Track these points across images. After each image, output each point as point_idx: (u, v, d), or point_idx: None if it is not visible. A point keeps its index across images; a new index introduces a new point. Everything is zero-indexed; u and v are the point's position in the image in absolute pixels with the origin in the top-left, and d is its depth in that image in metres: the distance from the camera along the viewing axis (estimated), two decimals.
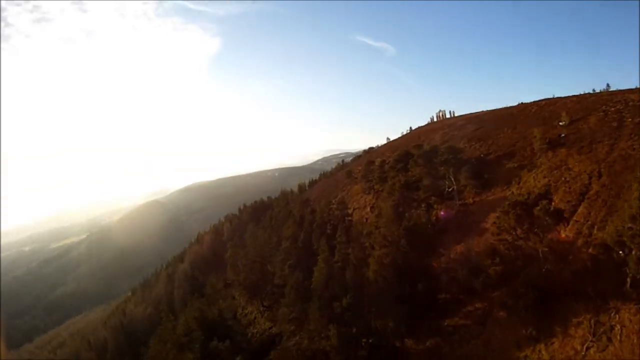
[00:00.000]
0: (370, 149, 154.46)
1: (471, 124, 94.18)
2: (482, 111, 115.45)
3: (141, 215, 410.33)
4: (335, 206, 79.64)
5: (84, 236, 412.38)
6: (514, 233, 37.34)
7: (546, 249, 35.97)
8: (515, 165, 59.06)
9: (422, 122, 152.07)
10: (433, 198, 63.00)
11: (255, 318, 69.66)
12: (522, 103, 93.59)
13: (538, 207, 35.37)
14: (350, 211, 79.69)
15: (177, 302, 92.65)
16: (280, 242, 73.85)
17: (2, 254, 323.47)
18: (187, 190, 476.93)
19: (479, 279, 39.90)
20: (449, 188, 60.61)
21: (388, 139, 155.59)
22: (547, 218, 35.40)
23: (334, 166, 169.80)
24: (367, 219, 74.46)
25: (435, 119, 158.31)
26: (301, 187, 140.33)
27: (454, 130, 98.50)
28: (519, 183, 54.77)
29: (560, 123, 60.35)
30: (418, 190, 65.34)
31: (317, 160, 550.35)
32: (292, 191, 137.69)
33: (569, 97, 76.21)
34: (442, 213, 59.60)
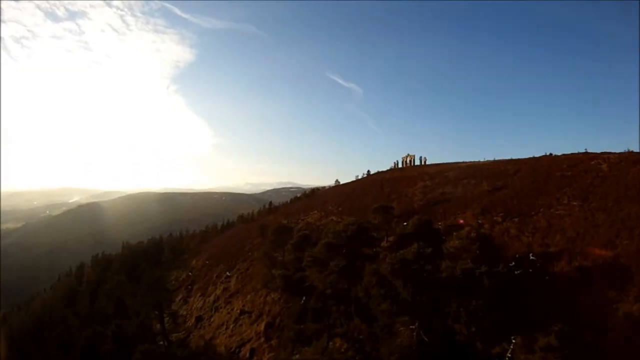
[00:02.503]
0: (315, 190, 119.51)
1: (473, 179, 60.13)
2: (483, 161, 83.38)
3: (78, 215, 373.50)
4: None
5: (20, 225, 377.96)
6: None
7: None
8: None
9: (379, 168, 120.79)
10: None
11: None
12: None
13: None
14: None
15: None
16: None
17: None
18: (131, 198, 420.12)
19: None
20: None
21: (337, 181, 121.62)
22: None
23: (282, 198, 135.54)
24: None
25: (401, 164, 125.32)
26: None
27: (445, 185, 63.92)
28: None
29: None
30: None
31: (268, 191, 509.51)
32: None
33: None
34: None
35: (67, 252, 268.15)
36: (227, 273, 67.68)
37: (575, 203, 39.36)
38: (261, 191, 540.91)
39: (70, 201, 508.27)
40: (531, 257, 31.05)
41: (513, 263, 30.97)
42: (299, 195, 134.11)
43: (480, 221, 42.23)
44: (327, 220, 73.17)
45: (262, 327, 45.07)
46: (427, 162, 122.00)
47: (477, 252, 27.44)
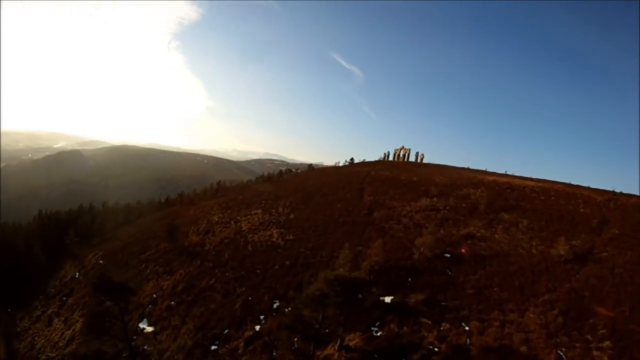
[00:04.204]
0: (283, 173, 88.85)
1: (525, 216, 31.11)
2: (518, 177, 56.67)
3: (57, 162, 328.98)
4: None
5: (3, 165, 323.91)
6: None
7: None
8: None
9: (369, 156, 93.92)
10: None
11: None
12: None
13: None
14: None
15: None
16: None
17: None
18: (114, 150, 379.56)
19: None
20: None
21: (352, 159, 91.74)
22: None
23: (265, 169, 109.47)
24: None
25: (393, 157, 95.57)
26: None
27: (470, 216, 35.95)
28: None
29: None
30: None
31: (252, 160, 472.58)
32: None
33: None
34: None
35: (37, 199, 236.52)
36: None
37: None
38: (246, 159, 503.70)
39: (56, 146, 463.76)
40: None
41: None
42: (270, 172, 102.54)
43: None
44: (263, 235, 42.86)
45: None
46: (425, 161, 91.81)
47: None
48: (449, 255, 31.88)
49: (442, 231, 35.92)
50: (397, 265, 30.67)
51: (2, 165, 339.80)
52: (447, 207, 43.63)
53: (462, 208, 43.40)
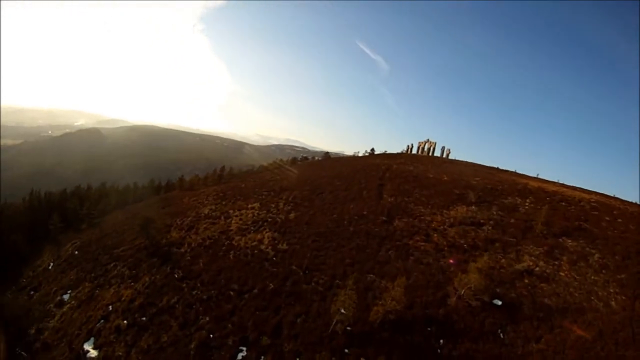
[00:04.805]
0: (297, 160, 79.86)
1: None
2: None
3: (76, 140, 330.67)
4: None
5: (19, 142, 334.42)
6: None
7: None
8: None
9: (390, 148, 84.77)
10: None
11: None
12: None
13: None
14: None
15: None
16: None
17: None
18: (134, 129, 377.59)
19: None
20: None
21: (373, 150, 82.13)
22: None
23: (285, 155, 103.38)
24: None
25: (417, 150, 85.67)
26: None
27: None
28: None
29: None
30: None
31: (273, 145, 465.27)
32: None
33: None
34: None
35: (53, 176, 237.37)
36: (64, 295, 37.82)
37: None
38: (267, 144, 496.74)
39: (76, 124, 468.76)
40: None
41: None
42: (290, 159, 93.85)
43: None
44: (252, 239, 33.57)
45: None
46: (450, 156, 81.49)
47: None
48: (499, 303, 21.97)
49: (487, 259, 25.72)
50: (424, 316, 21.00)
51: (20, 142, 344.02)
52: (491, 222, 33.33)
53: (512, 225, 33.04)
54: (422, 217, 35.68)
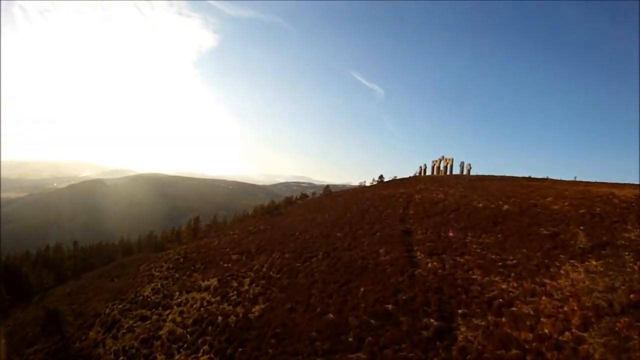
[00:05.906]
0: (292, 200, 65.56)
1: None
2: None
3: (79, 191, 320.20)
4: None
5: (23, 194, 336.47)
6: None
7: None
8: None
9: (399, 173, 71.74)
10: None
11: None
12: None
13: None
14: None
15: None
16: None
17: None
18: (138, 178, 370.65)
19: None
20: None
21: (381, 177, 66.70)
22: None
23: (292, 192, 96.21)
24: None
25: (431, 171, 71.22)
26: None
27: None
28: None
29: None
30: None
31: (279, 184, 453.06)
32: None
33: None
34: None
35: (57, 227, 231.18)
36: None
37: None
38: (274, 183, 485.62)
39: (81, 175, 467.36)
40: None
41: None
42: (298, 196, 78.80)
43: None
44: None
45: None
46: (472, 172, 66.54)
47: None
48: None
49: None
50: None
51: (24, 194, 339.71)
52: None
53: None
54: (514, 300, 18.96)
